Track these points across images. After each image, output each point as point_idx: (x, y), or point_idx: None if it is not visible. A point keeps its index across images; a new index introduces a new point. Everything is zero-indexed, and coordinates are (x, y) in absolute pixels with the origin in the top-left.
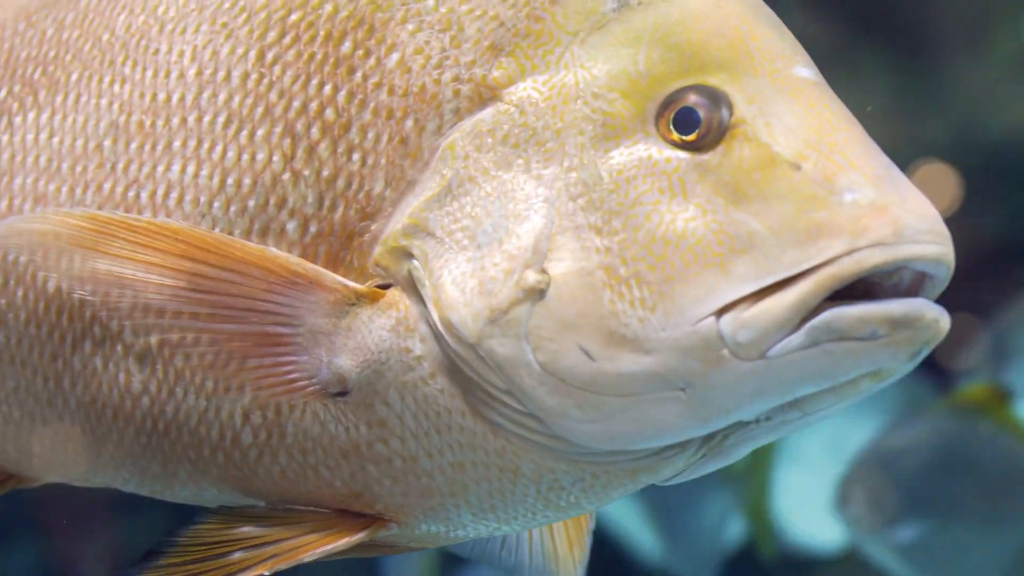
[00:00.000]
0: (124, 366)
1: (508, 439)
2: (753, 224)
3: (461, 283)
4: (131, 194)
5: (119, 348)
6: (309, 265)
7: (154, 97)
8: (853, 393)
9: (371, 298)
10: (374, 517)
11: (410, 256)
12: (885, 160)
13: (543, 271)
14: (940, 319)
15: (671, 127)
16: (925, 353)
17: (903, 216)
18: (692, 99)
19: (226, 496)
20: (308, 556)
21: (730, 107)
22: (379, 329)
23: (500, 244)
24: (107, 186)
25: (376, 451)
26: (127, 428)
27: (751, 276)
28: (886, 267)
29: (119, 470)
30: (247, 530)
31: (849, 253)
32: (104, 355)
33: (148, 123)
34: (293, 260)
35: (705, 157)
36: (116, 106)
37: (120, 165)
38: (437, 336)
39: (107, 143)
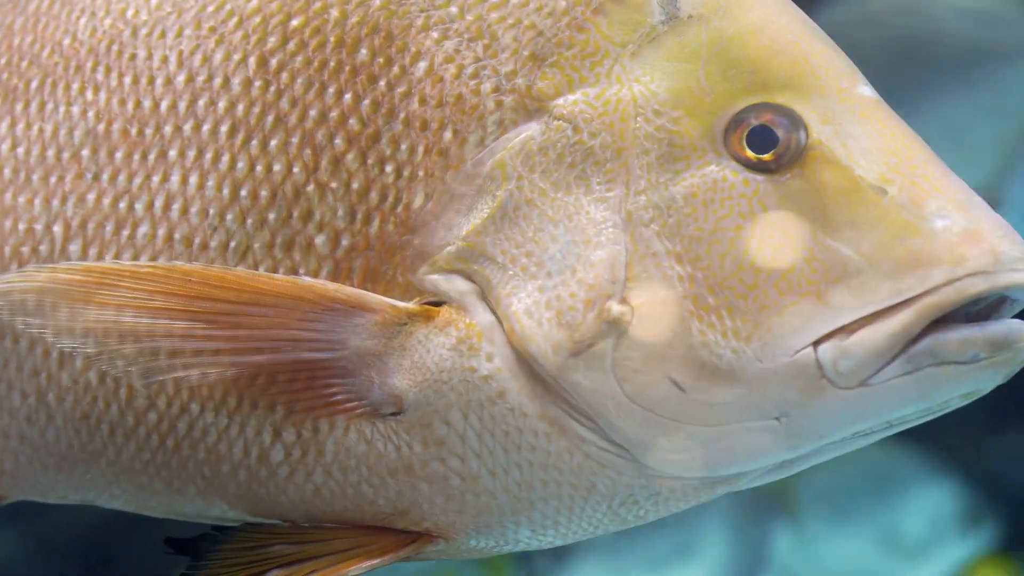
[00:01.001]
0: (125, 382)
1: (588, 457)
2: (846, 251)
3: (535, 313)
4: (122, 205)
5: (119, 363)
6: (349, 289)
7: (138, 104)
8: (942, 410)
9: (424, 317)
10: (419, 533)
11: (462, 278)
12: (962, 183)
13: (624, 301)
14: None
15: (744, 144)
16: (1016, 371)
17: (998, 244)
18: (768, 117)
19: (236, 514)
20: (353, 570)
21: (805, 127)
22: (438, 348)
23: (573, 272)
24: (91, 197)
25: (431, 470)
26: (127, 445)
27: (850, 306)
28: (987, 295)
29: (109, 487)
30: (280, 548)
31: (950, 283)
32: (100, 371)
33: (134, 131)
34: (331, 287)
35: (784, 179)
36: (91, 114)
37: (105, 175)
38: (506, 357)
39: (85, 152)
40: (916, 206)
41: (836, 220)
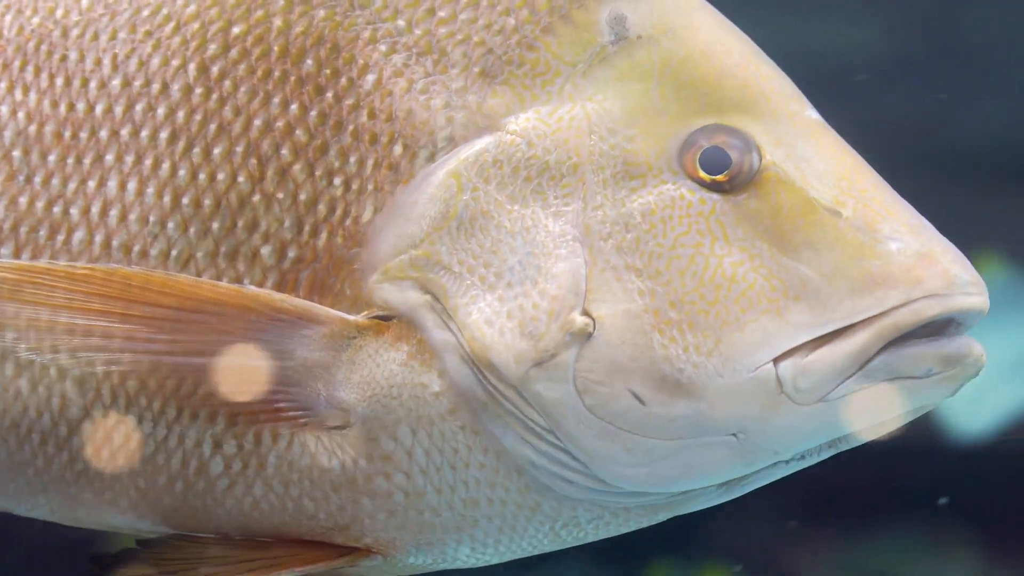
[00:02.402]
0: (59, 391)
1: (536, 477)
2: (804, 271)
3: (496, 323)
4: (57, 209)
5: (52, 372)
6: (297, 300)
7: (71, 107)
8: (893, 425)
9: (374, 331)
10: (357, 548)
11: (417, 287)
12: (910, 207)
13: (586, 313)
14: (982, 355)
15: (698, 165)
16: (964, 385)
17: (950, 267)
18: (722, 139)
19: (168, 527)
20: (286, 574)
21: (758, 149)
22: (389, 363)
23: (535, 284)
24: (23, 200)
25: (375, 485)
26: (58, 456)
27: (809, 324)
28: (940, 317)
29: (35, 497)
30: (213, 550)
31: (906, 304)
32: (32, 378)
33: (68, 135)
34: (278, 297)
35: (740, 199)
36: (22, 115)
37: (38, 178)
38: (460, 373)
39: (16, 154)
40: (870, 228)
41: (793, 240)
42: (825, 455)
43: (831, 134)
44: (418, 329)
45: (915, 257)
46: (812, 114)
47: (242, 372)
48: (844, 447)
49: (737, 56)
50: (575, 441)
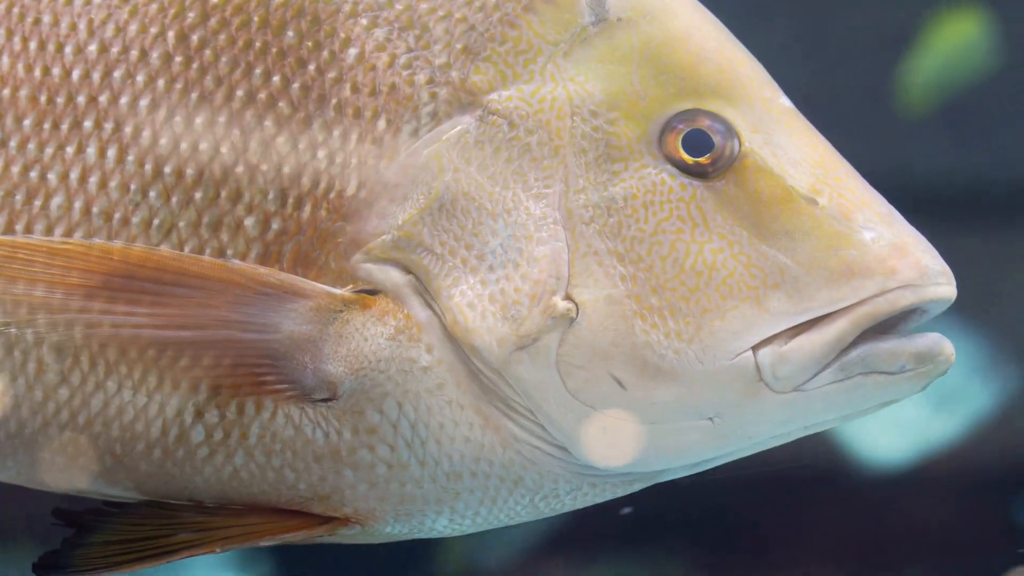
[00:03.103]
0: (36, 355)
1: (519, 452)
2: (783, 259)
3: (478, 306)
4: (33, 174)
5: (29, 337)
6: (282, 275)
7: (46, 71)
8: (860, 416)
9: (360, 305)
10: (335, 517)
11: (399, 267)
12: (881, 197)
13: (569, 297)
14: (952, 354)
15: (680, 147)
16: (933, 382)
17: (922, 258)
18: (704, 123)
19: (141, 494)
20: (265, 541)
21: (737, 135)
22: (376, 337)
23: (516, 267)
24: None
25: (358, 457)
26: (32, 419)
27: (788, 312)
28: (914, 307)
29: (3, 460)
30: (188, 515)
31: (882, 294)
32: (7, 342)
33: (43, 99)
34: (263, 271)
35: (719, 185)
36: None
37: (13, 142)
38: (446, 350)
39: None
40: (846, 218)
41: (771, 228)
42: (795, 436)
43: (803, 122)
44: (403, 305)
45: (889, 247)
46: (785, 101)
47: (226, 345)
48: (815, 431)
49: (714, 41)
50: (556, 424)
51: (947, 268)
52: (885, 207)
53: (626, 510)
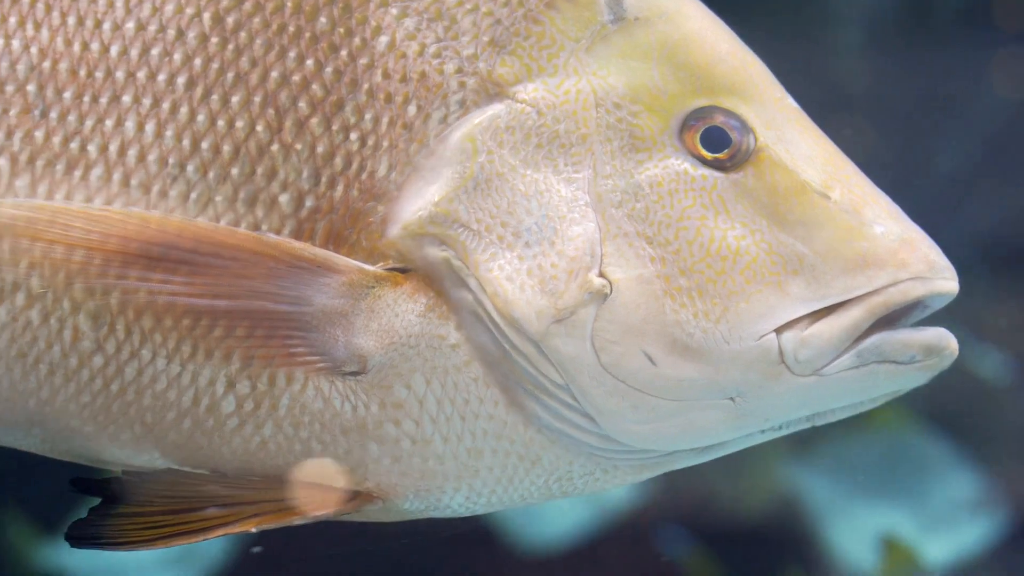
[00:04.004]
0: (72, 323)
1: (540, 431)
2: (801, 248)
3: (517, 279)
4: (74, 145)
5: (66, 304)
6: (316, 249)
7: (85, 46)
8: (869, 406)
9: (392, 282)
10: (357, 492)
11: (436, 243)
12: (885, 195)
13: (603, 275)
14: (957, 348)
15: (698, 143)
16: (937, 374)
17: (929, 252)
18: (720, 119)
19: (166, 462)
20: (298, 520)
21: (752, 131)
22: (407, 313)
23: (552, 244)
24: (39, 134)
25: (384, 431)
26: (65, 387)
27: (807, 298)
28: (923, 299)
29: (31, 427)
30: (213, 488)
31: (894, 284)
32: (44, 310)
33: (83, 73)
34: (298, 245)
35: (738, 177)
36: (35, 50)
37: (54, 113)
38: (476, 327)
39: (31, 88)
40: (856, 212)
41: (789, 219)
42: (799, 427)
43: (810, 122)
44: (436, 282)
45: (899, 241)
46: (792, 102)
47: (259, 316)
48: (818, 423)
49: (726, 43)
50: (588, 396)
51: (950, 264)
52: (891, 204)
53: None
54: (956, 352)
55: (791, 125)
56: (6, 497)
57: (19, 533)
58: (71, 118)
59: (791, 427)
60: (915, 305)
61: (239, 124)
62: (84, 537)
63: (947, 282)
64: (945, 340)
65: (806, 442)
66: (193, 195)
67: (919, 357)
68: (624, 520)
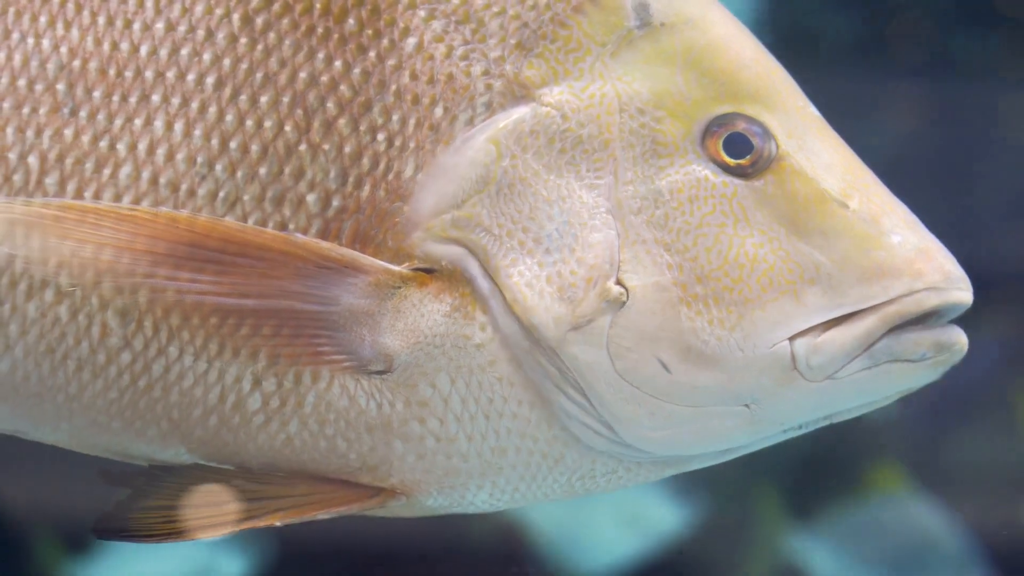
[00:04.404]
0: (100, 319)
1: (564, 429)
2: (818, 256)
3: (536, 286)
4: (103, 144)
5: (93, 301)
6: (343, 250)
7: (115, 46)
8: (883, 403)
9: (417, 282)
10: (380, 488)
11: (459, 246)
12: (903, 204)
13: (620, 282)
14: (966, 345)
15: (721, 149)
16: (947, 370)
17: (944, 263)
18: (742, 126)
19: (191, 458)
20: (322, 515)
21: (774, 139)
22: (433, 313)
23: (572, 251)
24: (68, 132)
25: (409, 429)
26: (92, 383)
27: (823, 307)
28: (937, 308)
29: (58, 422)
30: (239, 483)
31: (909, 294)
32: (72, 306)
33: (113, 72)
34: (325, 246)
35: (758, 185)
36: (65, 50)
37: (83, 112)
38: (501, 328)
39: (60, 87)
40: (874, 221)
41: (807, 227)
42: (816, 426)
43: (831, 131)
44: (460, 283)
45: (915, 251)
46: (814, 110)
47: (287, 315)
48: (837, 420)
49: (750, 50)
50: (604, 403)
51: (965, 275)
52: (908, 214)
53: None
54: (966, 348)
55: (812, 133)
56: (36, 513)
57: (48, 550)
58: (100, 117)
59: (809, 427)
60: (930, 314)
61: (267, 124)
62: (110, 530)
63: (962, 292)
64: (955, 336)
65: (808, 511)
66: (221, 194)
67: (930, 354)
68: None
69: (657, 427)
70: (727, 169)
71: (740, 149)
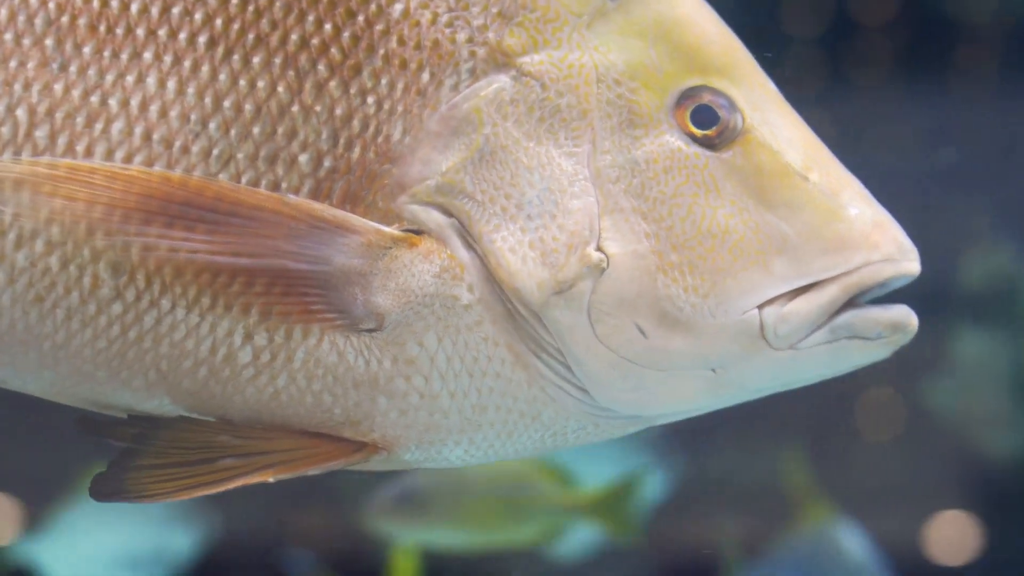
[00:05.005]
0: (92, 271)
1: (544, 389)
2: (784, 228)
3: (519, 251)
4: (94, 99)
5: (86, 252)
6: (335, 210)
7: (105, 3)
8: (832, 375)
9: (408, 243)
10: (363, 443)
11: (444, 212)
12: (855, 177)
13: (600, 249)
14: (917, 324)
15: (688, 120)
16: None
17: (897, 235)
18: (709, 98)
19: (174, 408)
20: (312, 470)
21: (740, 112)
22: (423, 274)
23: (553, 218)
24: (58, 87)
25: (394, 386)
26: (81, 332)
27: (789, 276)
28: (893, 279)
29: (41, 371)
30: (225, 439)
31: (867, 265)
32: (63, 256)
33: (103, 29)
34: (318, 206)
35: (726, 156)
36: (52, 5)
37: (73, 67)
38: (485, 290)
39: (49, 42)
40: (834, 194)
41: (773, 199)
42: (778, 390)
43: (789, 107)
44: (447, 246)
45: (871, 224)
46: (773, 87)
47: (279, 274)
48: (789, 388)
49: (715, 26)
50: (581, 365)
51: (914, 246)
52: (862, 187)
53: None
54: (916, 329)
55: (774, 108)
56: None
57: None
58: (91, 72)
59: (765, 392)
60: (883, 284)
61: (260, 84)
62: (106, 492)
63: (912, 264)
64: (908, 318)
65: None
66: (215, 152)
67: (885, 334)
68: None
69: (628, 389)
70: (696, 140)
71: (707, 120)
